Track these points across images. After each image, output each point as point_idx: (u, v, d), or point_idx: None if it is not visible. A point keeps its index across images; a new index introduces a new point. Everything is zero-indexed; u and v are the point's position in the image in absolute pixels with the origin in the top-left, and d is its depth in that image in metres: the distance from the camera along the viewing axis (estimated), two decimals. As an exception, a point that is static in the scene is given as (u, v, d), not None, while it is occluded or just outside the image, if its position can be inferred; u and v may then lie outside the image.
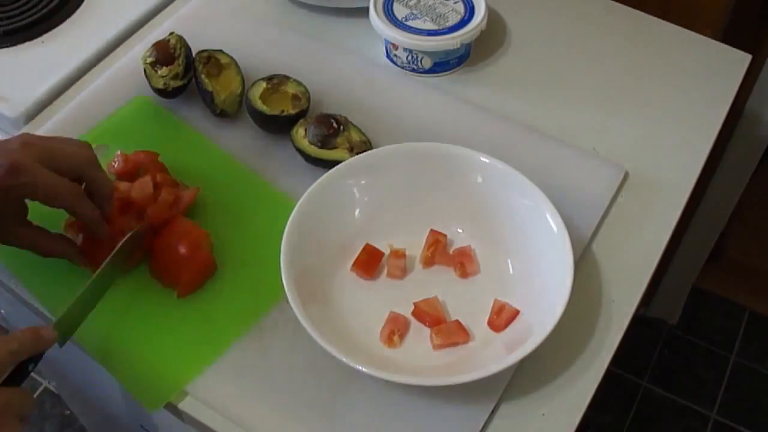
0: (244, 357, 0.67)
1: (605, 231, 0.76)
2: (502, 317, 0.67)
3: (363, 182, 0.73)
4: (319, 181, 0.71)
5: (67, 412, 1.62)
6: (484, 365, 0.61)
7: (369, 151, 0.75)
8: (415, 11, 0.87)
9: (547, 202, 0.69)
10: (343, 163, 0.73)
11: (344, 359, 0.61)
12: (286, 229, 0.68)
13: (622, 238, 0.75)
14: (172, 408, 0.65)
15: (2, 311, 0.94)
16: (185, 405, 0.65)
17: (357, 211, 0.73)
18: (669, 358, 1.68)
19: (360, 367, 0.60)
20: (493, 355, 0.65)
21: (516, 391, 0.65)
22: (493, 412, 0.64)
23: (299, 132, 0.78)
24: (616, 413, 1.59)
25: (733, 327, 1.71)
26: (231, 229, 0.75)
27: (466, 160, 0.73)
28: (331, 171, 0.72)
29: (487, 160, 0.73)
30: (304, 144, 0.78)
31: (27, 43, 0.93)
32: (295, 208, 0.69)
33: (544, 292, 0.66)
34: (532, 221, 0.70)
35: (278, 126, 0.81)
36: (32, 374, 0.61)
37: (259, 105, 0.80)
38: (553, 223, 0.68)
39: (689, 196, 0.79)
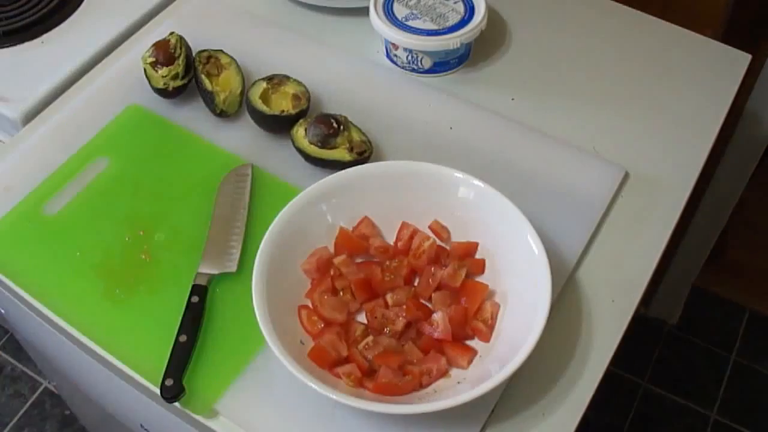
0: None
1: (605, 231, 0.75)
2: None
3: (334, 201, 0.71)
4: (289, 204, 0.69)
5: (67, 412, 1.62)
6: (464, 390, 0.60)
7: (340, 172, 0.72)
8: (415, 11, 0.87)
9: (525, 221, 0.67)
10: (315, 185, 0.71)
11: (328, 393, 0.59)
12: (257, 258, 0.66)
13: (622, 238, 0.75)
14: (186, 416, 0.65)
15: (2, 311, 0.94)
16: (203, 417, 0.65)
17: (330, 234, 0.72)
18: (669, 358, 1.68)
19: (343, 400, 0.59)
20: (476, 376, 0.64)
21: (516, 391, 0.65)
22: (492, 412, 0.64)
23: (299, 132, 0.78)
24: (616, 413, 1.59)
25: (733, 327, 1.71)
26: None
27: (440, 177, 0.71)
28: (301, 194, 0.70)
29: (462, 176, 0.71)
30: (305, 144, 0.78)
31: (27, 43, 0.93)
32: (266, 236, 0.67)
33: (523, 311, 0.64)
34: (510, 239, 0.68)
35: (278, 126, 0.81)
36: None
37: (259, 105, 0.80)
38: (533, 243, 0.66)
39: (689, 196, 0.79)
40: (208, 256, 0.72)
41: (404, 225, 0.72)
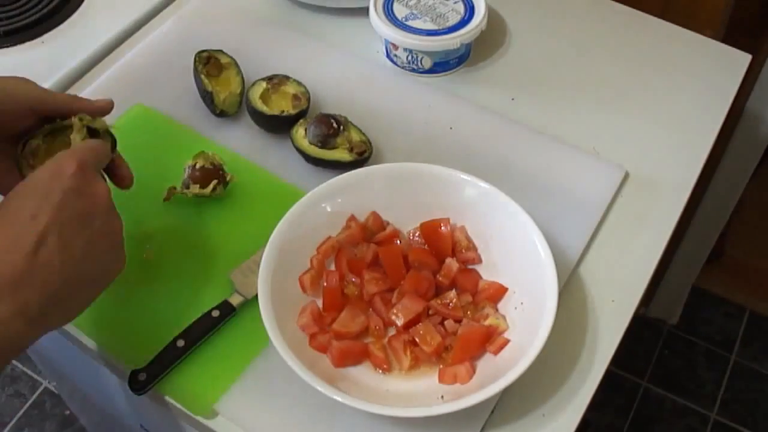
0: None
1: (605, 231, 0.76)
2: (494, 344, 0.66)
3: (339, 200, 0.71)
4: (295, 205, 0.69)
5: (67, 412, 1.62)
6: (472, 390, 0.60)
7: (345, 174, 0.72)
8: (415, 11, 0.87)
9: (532, 224, 0.67)
10: (320, 186, 0.70)
11: (332, 395, 0.59)
12: (262, 260, 0.65)
13: (622, 238, 0.75)
14: (186, 416, 0.65)
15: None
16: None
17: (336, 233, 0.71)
18: (669, 358, 1.68)
19: (345, 401, 0.59)
20: (480, 378, 0.63)
21: (516, 391, 0.65)
22: (492, 412, 0.64)
23: (299, 132, 0.78)
24: (616, 413, 1.59)
25: (733, 327, 1.71)
26: (245, 230, 0.75)
27: (446, 179, 0.71)
28: (307, 195, 0.70)
29: (468, 178, 0.70)
30: (304, 144, 0.78)
31: (27, 43, 0.93)
32: (271, 237, 0.67)
33: (530, 313, 0.64)
34: (516, 242, 0.68)
35: (278, 126, 0.81)
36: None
37: (259, 105, 0.80)
38: (540, 246, 0.66)
39: (689, 196, 0.79)
40: (252, 277, 0.68)
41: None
